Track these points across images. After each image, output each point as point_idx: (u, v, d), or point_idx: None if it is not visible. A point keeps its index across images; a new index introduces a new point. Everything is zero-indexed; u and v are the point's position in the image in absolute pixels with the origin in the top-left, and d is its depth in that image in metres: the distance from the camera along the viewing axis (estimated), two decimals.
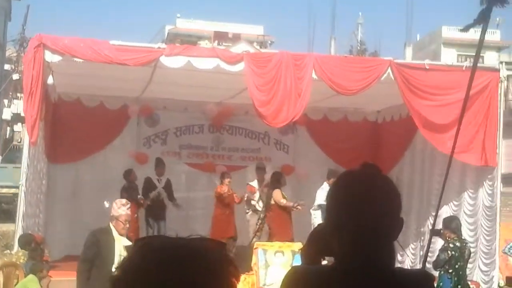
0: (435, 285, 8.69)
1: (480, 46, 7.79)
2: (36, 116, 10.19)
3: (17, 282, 8.78)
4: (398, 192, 1.88)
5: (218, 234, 12.64)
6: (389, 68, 11.07)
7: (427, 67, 11.37)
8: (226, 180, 12.88)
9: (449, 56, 38.31)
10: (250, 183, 13.49)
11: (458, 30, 39.05)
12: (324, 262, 2.11)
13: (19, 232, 10.24)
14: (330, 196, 1.88)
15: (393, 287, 1.81)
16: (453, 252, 8.72)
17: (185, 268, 1.24)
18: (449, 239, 8.84)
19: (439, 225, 9.11)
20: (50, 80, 11.66)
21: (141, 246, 1.30)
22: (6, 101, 35.92)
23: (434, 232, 9.06)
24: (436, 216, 7.33)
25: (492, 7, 7.34)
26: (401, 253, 12.42)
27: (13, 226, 11.04)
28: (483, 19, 7.30)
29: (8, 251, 11.19)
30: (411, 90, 11.11)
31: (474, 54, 8.88)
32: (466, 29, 7.91)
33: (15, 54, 33.98)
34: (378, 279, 1.78)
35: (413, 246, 13.09)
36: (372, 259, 1.79)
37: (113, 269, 6.23)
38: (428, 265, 9.60)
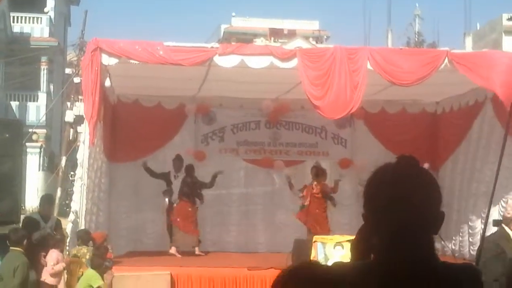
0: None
1: None
2: (95, 117, 10.44)
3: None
4: (437, 185, 1.82)
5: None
6: (446, 59, 10.86)
7: None
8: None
9: (511, 45, 37.13)
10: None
11: (506, 19, 37.88)
12: None
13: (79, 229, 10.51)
14: (366, 191, 1.85)
15: (435, 282, 1.75)
16: None
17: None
18: None
19: (493, 215, 8.86)
20: (108, 83, 11.92)
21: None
22: (69, 104, 36.82)
23: (496, 223, 8.81)
24: (490, 205, 7.10)
25: None
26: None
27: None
28: None
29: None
30: (480, 72, 10.72)
31: None
32: None
33: (75, 58, 34.77)
34: (418, 274, 1.73)
35: (465, 237, 12.86)
36: (411, 254, 1.74)
37: None
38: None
